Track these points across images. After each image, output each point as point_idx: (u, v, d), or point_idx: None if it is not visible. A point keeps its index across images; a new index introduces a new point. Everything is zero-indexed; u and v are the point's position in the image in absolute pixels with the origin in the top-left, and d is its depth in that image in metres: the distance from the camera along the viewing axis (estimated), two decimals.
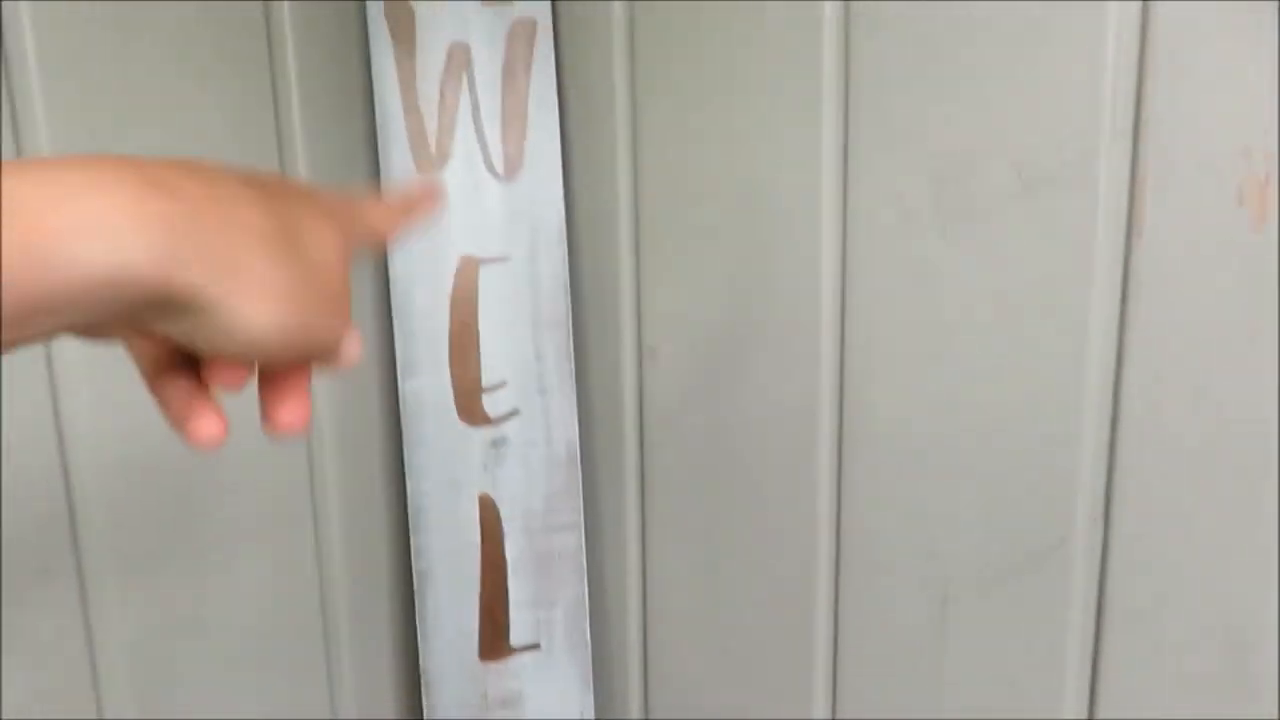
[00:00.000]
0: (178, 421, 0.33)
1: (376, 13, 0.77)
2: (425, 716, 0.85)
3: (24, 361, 0.67)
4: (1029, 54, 0.62)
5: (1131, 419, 0.63)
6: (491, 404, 0.83)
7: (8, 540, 0.68)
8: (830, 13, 0.68)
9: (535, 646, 0.86)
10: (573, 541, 0.85)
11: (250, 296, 0.29)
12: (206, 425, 0.33)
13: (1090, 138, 0.61)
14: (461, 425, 0.82)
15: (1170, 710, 0.64)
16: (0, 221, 0.25)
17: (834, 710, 0.79)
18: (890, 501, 0.73)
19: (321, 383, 0.80)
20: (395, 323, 0.80)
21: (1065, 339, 0.64)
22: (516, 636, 0.86)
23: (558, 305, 0.82)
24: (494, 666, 0.86)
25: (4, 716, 0.77)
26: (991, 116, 0.64)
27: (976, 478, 0.69)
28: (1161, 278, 0.61)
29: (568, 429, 0.84)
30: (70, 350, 0.67)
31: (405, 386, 0.81)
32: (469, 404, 0.82)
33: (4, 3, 0.63)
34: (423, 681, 0.85)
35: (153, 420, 0.34)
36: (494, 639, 0.85)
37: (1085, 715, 0.68)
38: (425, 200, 0.41)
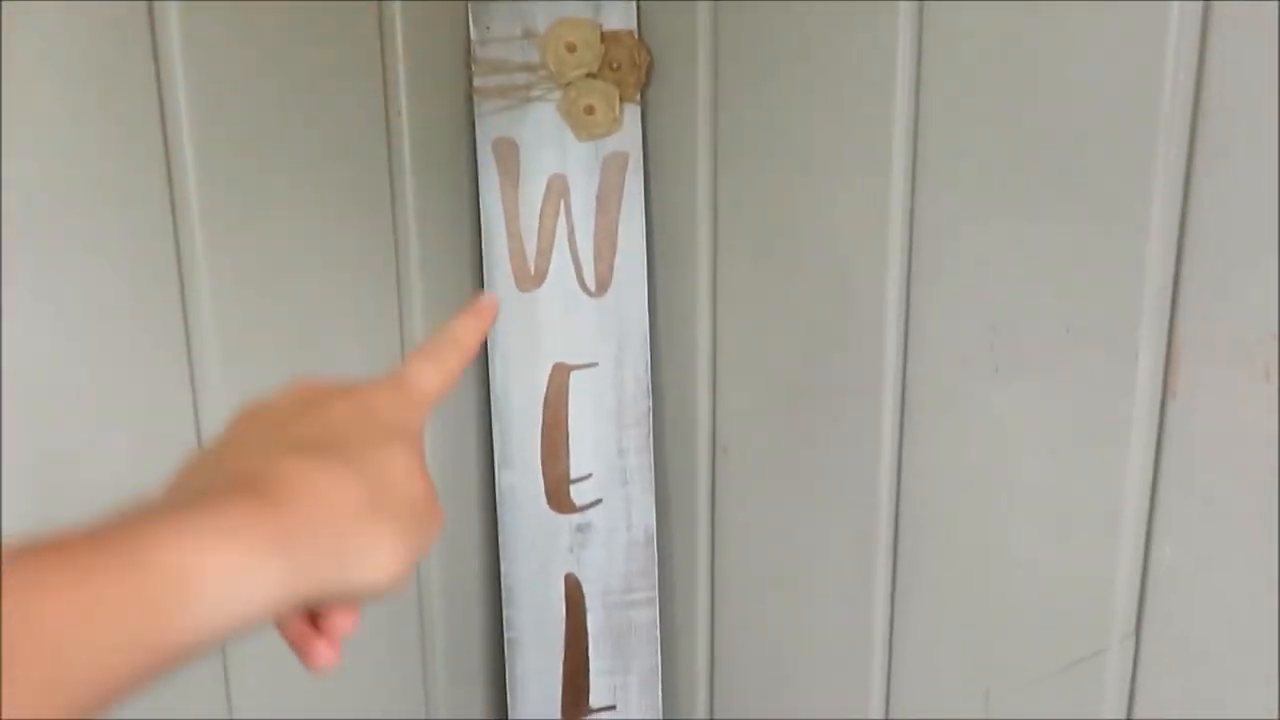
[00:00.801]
0: (298, 649, 0.35)
1: (485, 146, 0.85)
2: None
3: None
4: (1082, 227, 0.69)
5: (1161, 555, 0.70)
6: (578, 494, 0.91)
7: None
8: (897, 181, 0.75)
9: (611, 708, 0.95)
10: (648, 615, 0.94)
11: (368, 566, 0.32)
12: (323, 656, 0.35)
13: (1134, 303, 0.68)
14: (551, 513, 0.91)
15: None
16: (154, 579, 0.26)
17: None
18: (942, 607, 0.80)
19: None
20: (494, 420, 0.89)
21: (1104, 480, 0.71)
22: (595, 699, 0.95)
23: (640, 406, 0.91)
24: None
25: None
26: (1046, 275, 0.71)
27: (1022, 592, 0.77)
28: (1191, 436, 0.68)
29: (646, 515, 0.92)
30: None
31: (501, 478, 0.90)
32: (558, 494, 0.91)
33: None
34: None
35: None
36: (575, 701, 0.95)
37: None
38: (473, 321, 0.42)
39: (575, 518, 0.92)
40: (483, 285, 0.87)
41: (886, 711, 0.85)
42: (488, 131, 0.85)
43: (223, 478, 0.31)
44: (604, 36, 0.84)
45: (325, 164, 0.79)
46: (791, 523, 0.88)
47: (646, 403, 0.90)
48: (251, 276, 0.76)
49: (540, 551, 0.91)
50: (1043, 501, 0.74)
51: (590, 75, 0.84)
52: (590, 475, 0.91)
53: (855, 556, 0.84)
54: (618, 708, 0.95)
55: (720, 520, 0.93)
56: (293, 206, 0.78)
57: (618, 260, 0.88)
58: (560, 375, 0.89)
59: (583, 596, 0.93)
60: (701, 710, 0.98)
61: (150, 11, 0.69)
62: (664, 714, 0.96)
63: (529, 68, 0.84)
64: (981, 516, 0.77)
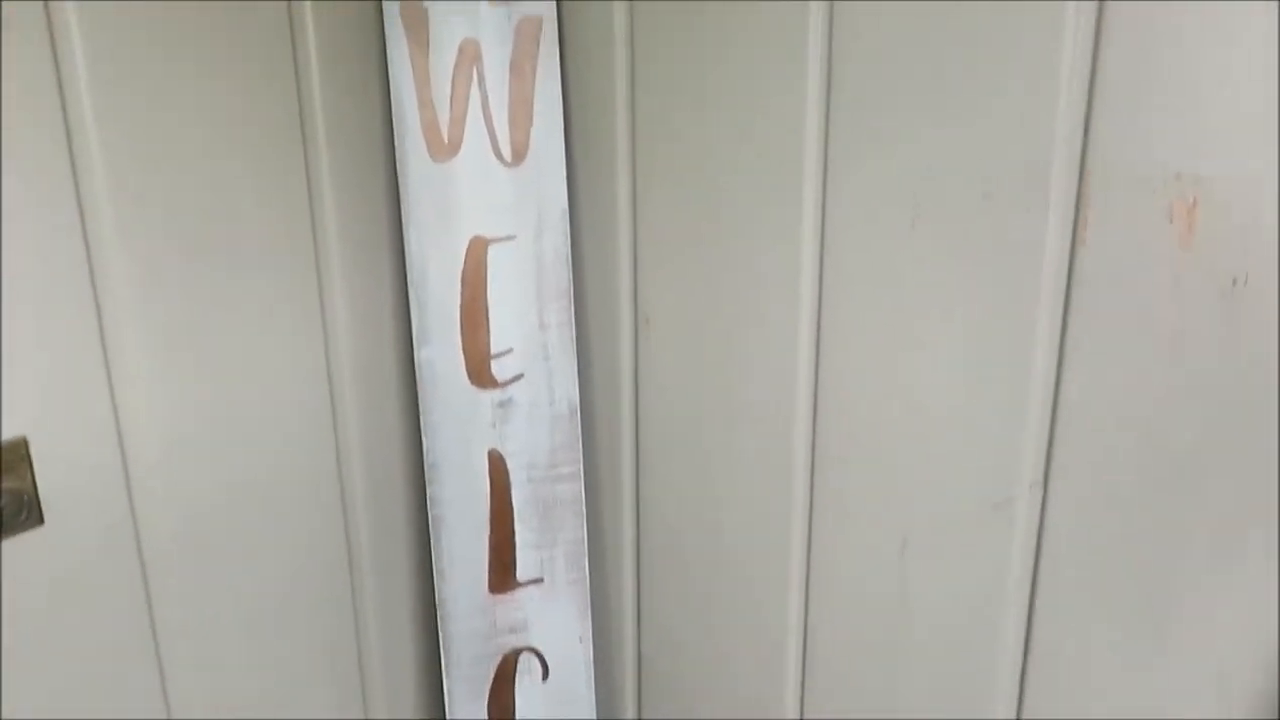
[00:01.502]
0: None
1: (392, 13, 0.82)
2: (442, 642, 0.95)
3: None
4: (993, 84, 0.69)
5: (1068, 396, 0.73)
6: (499, 369, 0.91)
7: None
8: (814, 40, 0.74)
9: (539, 581, 0.97)
10: (573, 489, 0.95)
11: None
12: None
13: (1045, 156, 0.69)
14: (472, 389, 0.91)
15: (1097, 641, 0.76)
16: None
17: (806, 625, 0.90)
18: (859, 461, 0.83)
19: (343, 353, 0.88)
20: (411, 296, 0.88)
21: (1016, 330, 0.73)
22: (522, 572, 0.96)
23: (560, 279, 0.90)
24: (502, 598, 0.96)
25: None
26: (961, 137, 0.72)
27: (936, 443, 0.79)
28: (1099, 281, 0.70)
29: (569, 389, 0.93)
30: None
31: (420, 354, 0.89)
32: (479, 369, 0.90)
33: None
34: (439, 612, 0.95)
35: None
36: (502, 575, 0.95)
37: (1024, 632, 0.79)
38: None
39: (497, 393, 0.91)
40: (394, 156, 0.84)
41: (808, 563, 0.87)
42: None
43: None
44: None
45: (226, 34, 0.75)
46: (714, 390, 0.89)
47: (567, 275, 0.90)
48: (154, 157, 0.73)
49: (463, 428, 0.91)
50: (956, 354, 0.76)
51: None
52: (511, 350, 0.91)
53: (776, 418, 0.85)
54: (545, 580, 0.97)
55: (644, 392, 0.93)
56: (197, 83, 0.74)
57: (534, 129, 0.86)
58: (478, 249, 0.88)
59: (507, 472, 0.93)
60: (628, 579, 1.00)
61: None
62: (591, 583, 0.98)
63: None
64: (897, 371, 0.79)
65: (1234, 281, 0.65)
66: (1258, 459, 0.66)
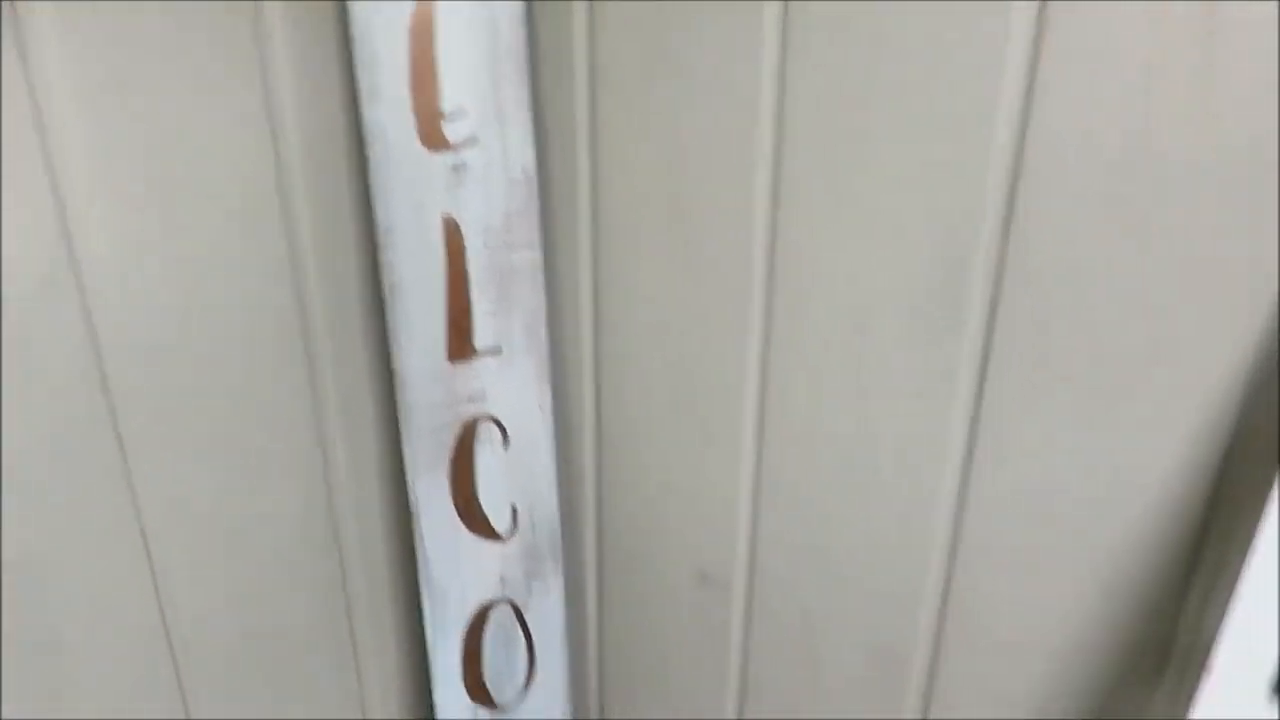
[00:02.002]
0: None
1: None
2: (400, 411, 0.96)
3: None
4: None
5: (1033, 167, 0.72)
6: (452, 131, 0.87)
7: None
8: None
9: (497, 350, 0.96)
10: (530, 257, 0.93)
11: None
12: None
13: None
14: (424, 151, 0.87)
15: (1056, 411, 0.78)
16: None
17: (764, 392, 0.91)
18: (819, 236, 0.82)
19: (286, 114, 0.84)
20: (355, 51, 0.83)
21: (979, 89, 0.71)
22: (481, 341, 0.96)
23: (514, 33, 0.86)
24: (460, 367, 0.96)
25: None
26: None
27: (894, 217, 0.78)
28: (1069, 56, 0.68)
29: (524, 154, 0.90)
30: None
31: (368, 115, 0.85)
32: (430, 130, 0.87)
33: None
34: (396, 380, 0.95)
35: None
36: (460, 344, 0.95)
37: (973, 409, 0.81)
38: None
39: (450, 156, 0.88)
40: None
41: (766, 347, 0.88)
42: None
43: None
44: None
45: None
46: (675, 151, 0.87)
47: (521, 32, 0.85)
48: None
49: (415, 192, 0.88)
50: (918, 120, 0.74)
51: None
52: (463, 111, 0.87)
53: (736, 182, 0.84)
54: (503, 350, 0.97)
55: (601, 159, 0.91)
56: None
57: None
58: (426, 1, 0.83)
59: (462, 238, 0.91)
60: (587, 351, 1.00)
61: None
62: (550, 352, 0.98)
63: None
64: (862, 128, 0.77)
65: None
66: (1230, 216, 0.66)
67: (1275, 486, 0.67)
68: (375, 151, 0.86)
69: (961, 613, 0.89)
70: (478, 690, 1.08)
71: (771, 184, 0.82)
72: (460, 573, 1.03)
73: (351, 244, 0.93)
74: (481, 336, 0.95)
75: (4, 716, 0.85)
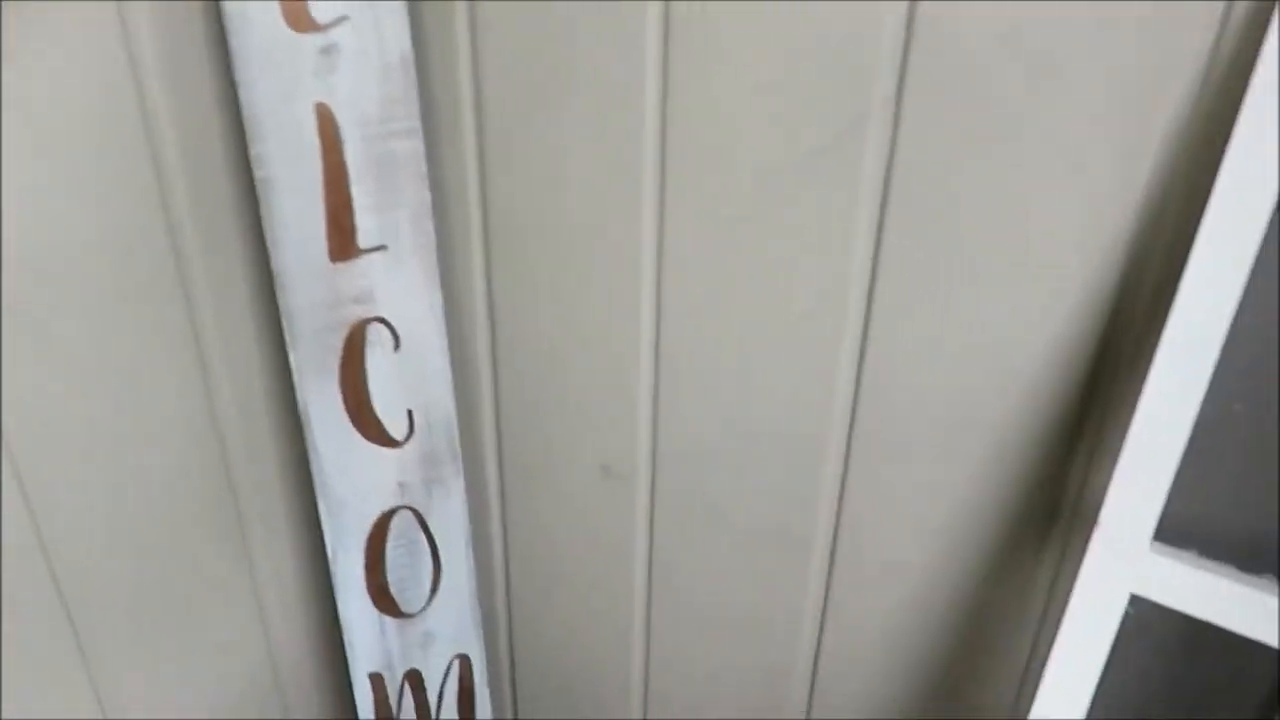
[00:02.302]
0: None
1: None
2: (283, 315, 0.91)
3: None
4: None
5: (928, 20, 0.71)
6: (319, 11, 0.82)
7: None
8: None
9: (382, 247, 0.92)
10: (412, 147, 0.89)
11: None
12: None
13: None
14: (290, 33, 0.82)
15: (947, 274, 0.78)
16: None
17: (661, 270, 0.90)
18: (710, 98, 0.80)
19: (138, 3, 0.78)
20: None
21: None
22: (364, 238, 0.91)
23: None
24: (344, 267, 0.92)
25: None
26: None
27: (784, 72, 0.76)
28: None
29: (399, 37, 0.85)
30: None
31: None
32: (296, 11, 0.81)
33: None
34: (276, 284, 0.90)
35: None
36: (342, 241, 0.91)
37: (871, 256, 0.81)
38: None
39: (319, 38, 0.83)
40: None
41: (662, 219, 0.86)
42: None
43: None
44: None
45: None
46: (558, 24, 0.83)
47: None
48: None
49: (283, 78, 0.83)
50: None
51: None
52: None
53: (625, 48, 0.81)
54: (389, 247, 0.93)
55: (482, 38, 0.86)
56: None
57: None
58: None
59: (336, 127, 0.86)
60: (477, 244, 0.97)
61: None
62: (439, 249, 0.94)
63: None
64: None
65: None
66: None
67: (1154, 350, 0.68)
68: (236, 33, 0.80)
69: (861, 489, 0.90)
70: (382, 599, 1.06)
71: (661, 53, 0.79)
72: (357, 481, 1.00)
73: (218, 138, 0.87)
74: (364, 233, 0.91)
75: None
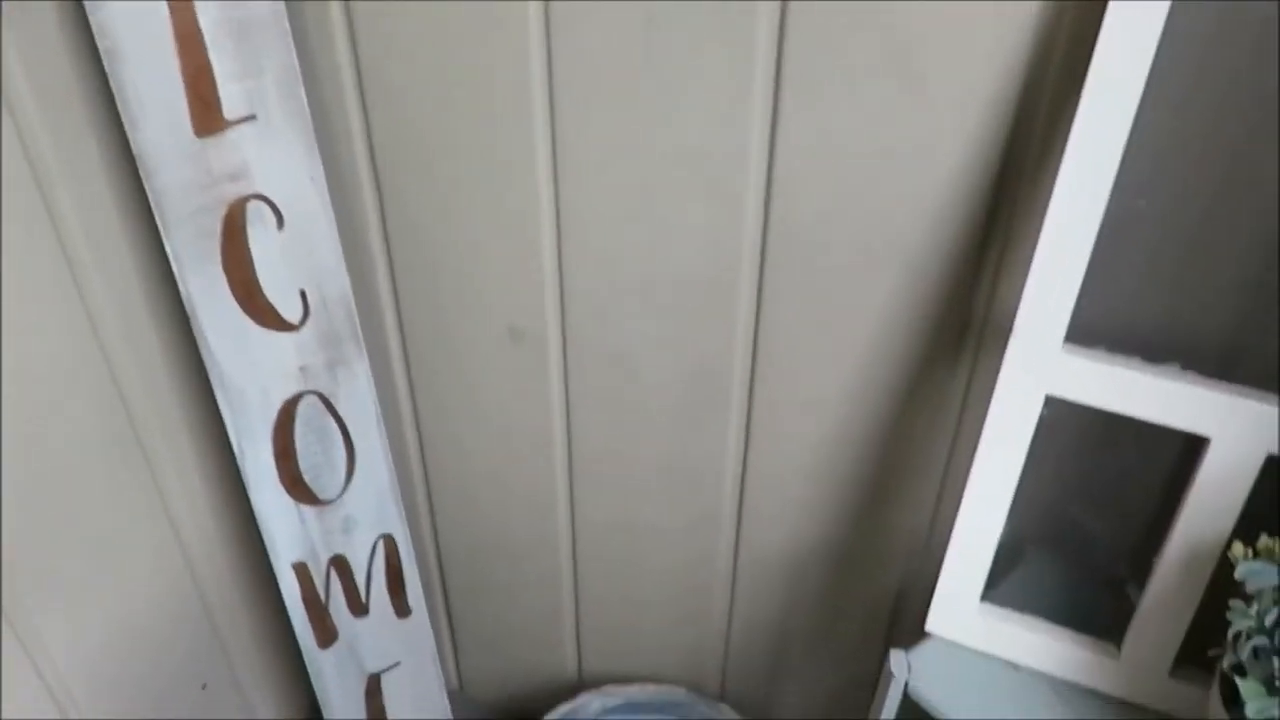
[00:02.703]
0: None
1: None
2: (151, 199, 0.84)
3: None
4: None
5: None
6: None
7: None
8: None
9: (251, 118, 0.86)
10: (271, 5, 0.82)
11: None
12: None
13: None
14: None
15: (850, 96, 0.76)
16: None
17: (554, 111, 0.86)
18: None
19: None
20: None
21: None
22: (229, 109, 0.84)
23: None
24: (212, 141, 0.85)
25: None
26: None
27: None
28: None
29: None
30: None
31: None
32: None
33: None
34: (140, 167, 0.83)
35: None
36: (205, 114, 0.84)
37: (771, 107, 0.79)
38: None
39: None
40: None
41: (549, 53, 0.81)
42: None
43: None
44: None
45: None
46: None
47: None
48: None
49: None
50: None
51: None
52: None
53: None
54: (258, 117, 0.86)
55: None
56: None
57: None
58: None
59: None
60: (353, 107, 0.91)
61: None
62: (314, 118, 0.88)
63: None
64: None
65: None
66: None
67: (1060, 160, 0.69)
68: None
69: (775, 324, 0.90)
70: (297, 488, 1.03)
71: None
72: (255, 370, 0.95)
73: (53, 8, 0.78)
74: (229, 103, 0.84)
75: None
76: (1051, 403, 0.74)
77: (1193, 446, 0.72)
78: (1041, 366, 0.73)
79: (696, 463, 1.03)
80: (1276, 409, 0.68)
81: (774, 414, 0.97)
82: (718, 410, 0.98)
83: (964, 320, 0.85)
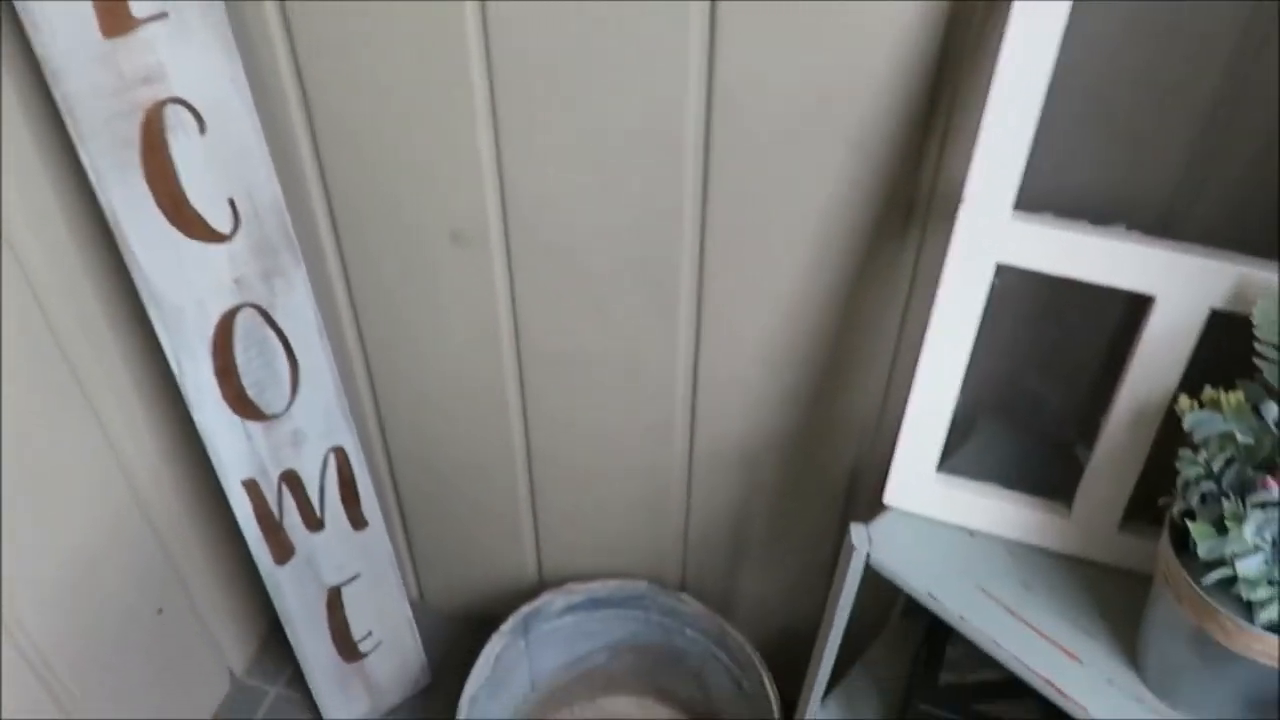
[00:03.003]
0: None
1: None
2: (61, 108, 0.80)
3: None
4: None
5: None
6: None
7: None
8: None
9: (163, 15, 0.81)
10: None
11: None
12: None
13: None
14: None
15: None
16: None
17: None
18: None
19: None
20: None
21: None
22: (138, 7, 0.80)
23: None
24: (122, 42, 0.80)
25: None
26: None
27: None
28: None
29: None
30: None
31: None
32: None
33: None
34: (44, 70, 0.78)
35: None
36: (112, 13, 0.79)
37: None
38: None
39: None
40: None
41: None
42: None
43: None
44: None
45: None
46: None
47: None
48: None
49: None
50: None
51: None
52: None
53: None
54: (170, 14, 0.81)
55: None
56: None
57: None
58: None
59: None
60: (272, 15, 0.86)
61: None
62: (230, 15, 0.83)
63: None
64: None
65: None
66: None
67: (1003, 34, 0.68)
68: None
69: (722, 212, 0.89)
70: (241, 404, 1.00)
71: None
72: (189, 284, 0.92)
73: None
74: (139, 1, 0.79)
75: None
76: (1002, 271, 0.75)
77: (1139, 307, 0.73)
78: (991, 235, 0.73)
79: (648, 357, 1.03)
80: (1219, 264, 0.69)
81: (724, 302, 0.96)
82: (667, 302, 0.97)
83: (911, 197, 0.85)
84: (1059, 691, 0.73)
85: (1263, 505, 0.61)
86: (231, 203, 0.91)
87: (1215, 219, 0.75)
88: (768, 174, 0.86)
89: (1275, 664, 0.64)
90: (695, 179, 0.88)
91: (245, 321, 0.97)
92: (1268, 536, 0.61)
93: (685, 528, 1.20)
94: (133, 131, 0.83)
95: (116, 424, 1.03)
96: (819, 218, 0.87)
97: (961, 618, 0.77)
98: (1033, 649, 0.75)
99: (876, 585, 0.83)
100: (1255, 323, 0.67)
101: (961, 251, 0.75)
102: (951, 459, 0.85)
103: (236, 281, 0.94)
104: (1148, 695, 0.73)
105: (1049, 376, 0.83)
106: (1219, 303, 0.70)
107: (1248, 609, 0.63)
